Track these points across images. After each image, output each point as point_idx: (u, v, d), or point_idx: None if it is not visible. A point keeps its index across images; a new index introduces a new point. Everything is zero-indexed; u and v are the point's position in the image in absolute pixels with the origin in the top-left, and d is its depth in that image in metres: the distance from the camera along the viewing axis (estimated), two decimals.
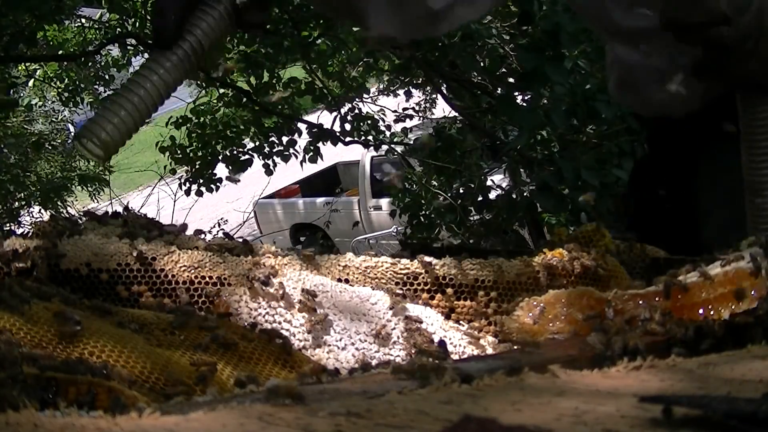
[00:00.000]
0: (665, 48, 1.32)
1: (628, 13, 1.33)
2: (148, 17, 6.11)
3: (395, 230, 6.98)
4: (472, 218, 5.30)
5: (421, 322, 1.03)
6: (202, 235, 1.24)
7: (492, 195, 5.24)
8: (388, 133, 6.68)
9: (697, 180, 1.43)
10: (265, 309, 0.99)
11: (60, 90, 7.37)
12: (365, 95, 7.24)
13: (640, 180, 1.70)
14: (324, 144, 6.49)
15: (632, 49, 1.33)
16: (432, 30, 1.42)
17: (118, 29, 6.48)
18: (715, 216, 1.36)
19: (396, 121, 6.80)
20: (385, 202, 8.05)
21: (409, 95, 7.84)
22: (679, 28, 1.27)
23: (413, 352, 0.98)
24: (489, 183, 5.38)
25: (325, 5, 1.51)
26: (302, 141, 6.65)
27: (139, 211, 1.29)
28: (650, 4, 1.31)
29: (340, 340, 0.98)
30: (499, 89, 5.15)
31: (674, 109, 1.41)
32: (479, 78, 5.46)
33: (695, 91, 1.34)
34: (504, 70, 5.02)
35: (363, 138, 6.47)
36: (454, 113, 6.07)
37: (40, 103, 8.68)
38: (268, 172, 6.90)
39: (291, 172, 8.39)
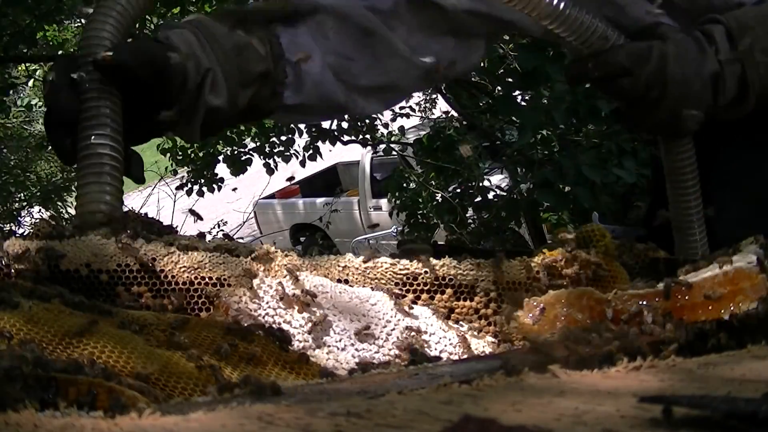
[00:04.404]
0: None
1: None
2: (148, 17, 6.11)
3: (395, 230, 6.98)
4: (470, 219, 5.30)
5: (420, 323, 1.03)
6: (204, 238, 1.24)
7: (490, 195, 5.24)
8: (385, 132, 6.69)
9: (712, 177, 1.44)
10: (265, 310, 0.99)
11: None
12: None
13: (657, 181, 1.71)
14: (323, 143, 6.50)
15: None
16: (427, 85, 1.52)
17: None
18: (728, 213, 1.37)
19: (393, 119, 6.80)
20: (385, 202, 8.05)
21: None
22: (585, 82, 1.28)
23: (412, 352, 0.98)
24: (487, 183, 5.39)
25: (310, 117, 1.54)
26: (302, 141, 6.66)
27: (139, 211, 1.29)
28: None
29: (340, 340, 0.98)
30: (498, 89, 5.15)
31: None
32: (478, 78, 5.46)
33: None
34: (502, 70, 5.02)
35: (361, 137, 6.48)
36: (453, 113, 6.08)
37: (40, 103, 8.67)
38: (270, 171, 6.92)
39: (291, 172, 8.39)
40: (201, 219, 1.30)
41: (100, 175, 1.05)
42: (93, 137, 1.06)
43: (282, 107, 1.31)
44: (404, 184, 5.86)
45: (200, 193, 6.91)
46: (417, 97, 8.90)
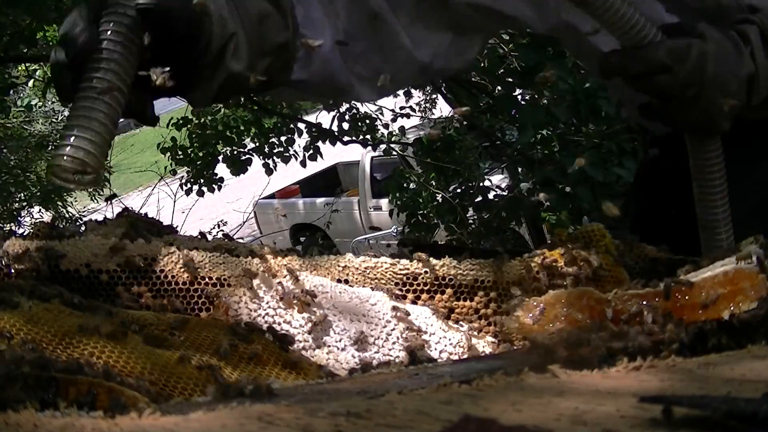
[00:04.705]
0: None
1: None
2: None
3: (395, 230, 6.99)
4: (470, 219, 5.30)
5: (420, 323, 1.03)
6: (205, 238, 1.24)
7: (491, 195, 5.25)
8: (386, 132, 6.69)
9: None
10: (265, 310, 0.99)
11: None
12: None
13: (644, 183, 1.68)
14: (324, 143, 6.50)
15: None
16: (422, 80, 1.47)
17: None
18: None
19: (393, 119, 6.81)
20: (385, 202, 8.06)
21: (408, 95, 7.83)
22: (619, 77, 1.23)
23: (412, 352, 0.98)
24: (487, 183, 5.39)
25: (310, 95, 1.51)
26: (302, 141, 6.67)
27: (139, 211, 1.29)
28: None
29: (340, 340, 0.98)
30: (499, 88, 5.15)
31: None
32: (478, 78, 5.46)
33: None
34: (502, 70, 5.02)
35: (361, 137, 6.48)
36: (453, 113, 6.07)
37: (40, 103, 8.68)
38: (269, 171, 6.92)
39: (291, 172, 8.39)
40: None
41: (89, 120, 1.00)
42: (95, 80, 1.02)
43: (289, 82, 1.28)
44: (404, 185, 5.86)
45: (200, 193, 6.91)
46: (417, 97, 8.90)
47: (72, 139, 0.99)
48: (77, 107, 1.02)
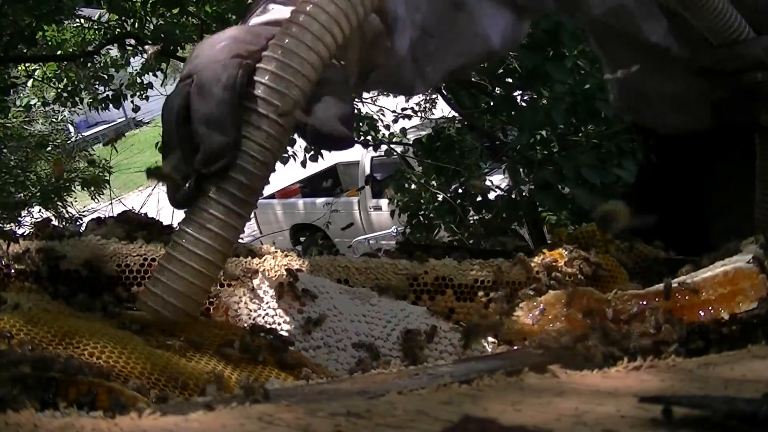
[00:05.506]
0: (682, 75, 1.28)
1: (663, 37, 1.28)
2: (147, 17, 6.12)
3: (395, 230, 6.99)
4: (471, 219, 5.30)
5: (419, 323, 1.03)
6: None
7: (491, 196, 5.25)
8: (387, 133, 6.69)
9: (707, 185, 1.41)
10: (265, 310, 0.99)
11: (59, 90, 7.37)
12: (365, 95, 7.25)
13: (645, 184, 1.67)
14: None
15: (645, 74, 1.25)
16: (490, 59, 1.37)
17: (117, 29, 6.49)
18: (723, 221, 1.35)
19: (395, 120, 6.81)
20: (385, 203, 8.06)
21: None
22: (713, 75, 1.22)
23: (412, 352, 0.98)
24: (488, 183, 5.39)
25: (373, 85, 1.38)
26: (302, 141, 6.66)
27: (139, 211, 1.29)
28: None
29: (340, 340, 0.98)
30: (498, 89, 5.15)
31: (688, 128, 1.38)
32: (478, 78, 5.46)
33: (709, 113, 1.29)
34: (502, 70, 5.03)
35: (362, 138, 6.48)
36: (453, 113, 6.08)
37: (40, 103, 8.69)
38: None
39: (291, 172, 8.39)
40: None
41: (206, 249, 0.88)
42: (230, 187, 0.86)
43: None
44: (405, 185, 5.86)
45: None
46: (417, 97, 8.90)
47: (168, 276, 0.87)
48: (191, 224, 0.87)
